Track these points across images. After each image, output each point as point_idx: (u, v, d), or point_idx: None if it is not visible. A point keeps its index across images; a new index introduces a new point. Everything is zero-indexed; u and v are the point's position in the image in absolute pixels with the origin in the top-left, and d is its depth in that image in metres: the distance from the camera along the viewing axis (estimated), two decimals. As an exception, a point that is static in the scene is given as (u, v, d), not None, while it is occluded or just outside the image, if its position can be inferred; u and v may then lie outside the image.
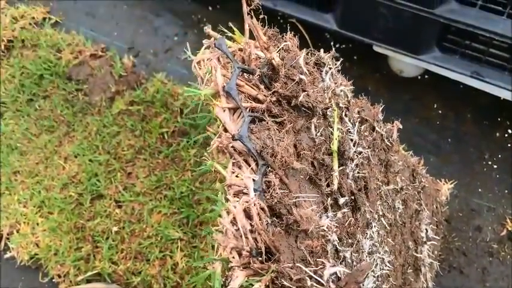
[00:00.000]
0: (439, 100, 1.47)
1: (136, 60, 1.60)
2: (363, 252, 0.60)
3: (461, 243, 1.29)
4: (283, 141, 0.46)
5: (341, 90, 0.62)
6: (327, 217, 0.49)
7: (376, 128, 0.71)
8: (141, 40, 1.65)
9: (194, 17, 1.67)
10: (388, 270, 0.72)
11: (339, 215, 0.51)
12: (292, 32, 0.59)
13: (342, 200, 0.51)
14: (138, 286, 1.28)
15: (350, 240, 0.54)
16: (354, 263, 0.55)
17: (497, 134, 1.41)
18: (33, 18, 1.68)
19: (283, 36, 0.56)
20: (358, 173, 0.61)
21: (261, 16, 0.57)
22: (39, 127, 1.49)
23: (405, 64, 1.44)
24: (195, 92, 0.48)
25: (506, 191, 1.34)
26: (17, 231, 1.36)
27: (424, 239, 1.03)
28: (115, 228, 1.34)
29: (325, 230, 0.46)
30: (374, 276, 0.66)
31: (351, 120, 0.63)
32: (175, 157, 1.41)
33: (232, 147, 0.44)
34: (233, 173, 0.43)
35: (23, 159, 1.44)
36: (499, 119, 1.43)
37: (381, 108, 0.76)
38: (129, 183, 1.40)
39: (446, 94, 1.47)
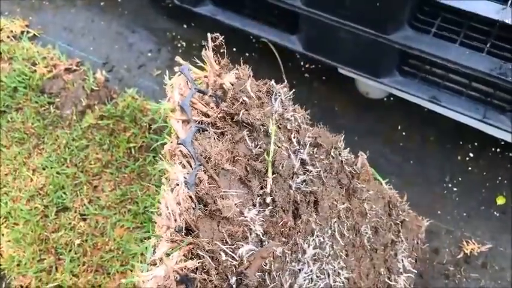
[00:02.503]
0: (404, 122, 1.50)
1: (109, 75, 1.63)
2: (303, 254, 0.65)
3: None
4: (218, 147, 0.55)
5: (291, 116, 0.68)
6: (251, 210, 0.56)
7: (331, 154, 0.76)
8: (116, 55, 1.68)
9: (169, 34, 1.70)
10: (342, 284, 0.75)
11: (266, 212, 0.58)
12: (246, 65, 0.67)
13: (268, 199, 0.59)
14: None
15: (284, 239, 0.61)
16: (287, 259, 0.61)
17: (459, 157, 1.43)
18: (12, 31, 1.71)
19: (235, 66, 0.64)
20: (305, 187, 0.67)
21: (232, 37, 0.64)
22: (10, 139, 1.51)
23: (370, 86, 1.47)
24: (157, 106, 0.58)
25: (464, 214, 1.36)
26: (-17, 242, 1.38)
27: (401, 270, 1.05)
28: (78, 241, 1.36)
29: (248, 221, 0.54)
30: (322, 278, 0.70)
31: (301, 142, 0.69)
32: (141, 172, 1.44)
33: (179, 150, 0.54)
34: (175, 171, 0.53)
35: (-8, 170, 1.47)
36: (461, 143, 1.45)
37: (341, 138, 0.80)
38: (94, 196, 1.42)
39: (410, 116, 1.49)
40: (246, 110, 0.59)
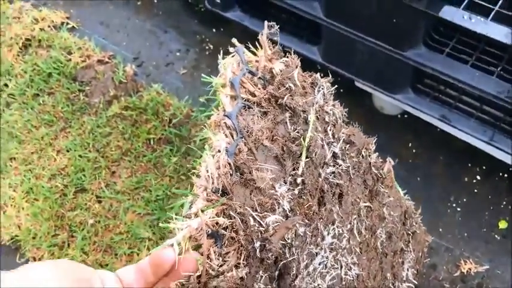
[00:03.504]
0: (415, 140, 1.53)
1: (138, 70, 1.72)
2: (322, 240, 0.69)
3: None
4: (260, 124, 0.59)
5: (331, 110, 0.72)
6: (282, 186, 0.60)
7: (362, 153, 0.79)
8: (146, 52, 1.77)
9: (198, 36, 1.78)
10: (352, 279, 0.79)
11: (295, 191, 0.62)
12: (295, 55, 0.70)
13: (299, 180, 0.62)
14: None
15: (307, 221, 0.64)
16: (307, 240, 0.64)
17: (466, 179, 1.46)
18: (53, 21, 1.82)
19: (286, 55, 0.68)
20: (333, 178, 0.70)
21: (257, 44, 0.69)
22: (40, 120, 1.61)
23: (385, 102, 1.51)
24: (210, 79, 0.61)
25: (465, 234, 1.38)
26: (4, 213, 1.47)
27: (404, 278, 1.07)
28: (91, 221, 1.43)
29: (277, 195, 0.57)
30: (335, 268, 0.73)
31: (335, 136, 0.72)
32: (157, 162, 1.51)
33: (224, 122, 0.57)
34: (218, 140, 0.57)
35: (20, 147, 1.56)
36: (469, 165, 1.48)
37: (374, 141, 0.83)
38: (111, 181, 1.49)
39: (422, 135, 1.53)
40: (291, 96, 0.63)
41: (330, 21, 1.29)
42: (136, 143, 1.53)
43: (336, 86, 0.76)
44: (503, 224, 1.38)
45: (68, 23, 1.84)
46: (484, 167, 1.46)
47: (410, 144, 1.53)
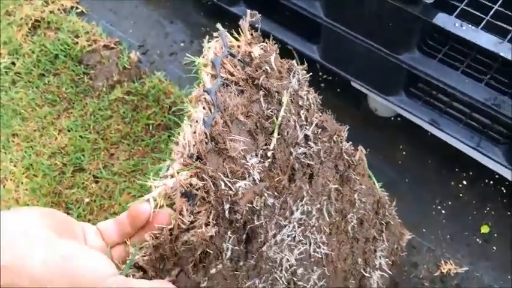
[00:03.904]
0: (406, 143, 1.57)
1: (143, 57, 1.77)
2: (290, 214, 0.73)
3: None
4: (236, 101, 0.63)
5: (305, 95, 0.76)
6: (253, 158, 0.64)
7: (334, 139, 0.83)
8: (152, 41, 1.82)
9: (203, 28, 1.83)
10: (320, 257, 0.83)
11: (266, 163, 0.66)
12: (274, 41, 0.73)
13: (269, 153, 0.67)
14: (95, 254, 1.40)
15: (276, 193, 0.68)
16: (275, 211, 0.69)
17: (452, 183, 1.50)
18: (62, 5, 1.87)
19: (265, 40, 0.72)
20: (304, 159, 0.75)
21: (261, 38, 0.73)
22: (44, 99, 1.66)
23: (379, 103, 1.56)
24: (194, 59, 0.65)
25: (448, 236, 1.42)
26: (3, 186, 1.51)
27: (377, 266, 1.11)
28: (87, 200, 1.48)
29: (248, 165, 0.61)
30: (303, 243, 0.77)
31: (308, 120, 0.76)
32: (155, 147, 1.55)
33: (204, 97, 0.61)
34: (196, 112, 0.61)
35: (23, 124, 1.61)
36: (457, 170, 1.52)
37: (346, 129, 0.87)
38: (109, 163, 1.54)
39: (414, 138, 1.57)
40: (266, 77, 0.67)
41: (329, 21, 1.34)
42: (136, 128, 1.58)
43: (333, 86, 0.80)
44: (485, 229, 1.43)
45: (77, 8, 1.89)
46: (470, 173, 1.51)
47: (401, 147, 1.57)
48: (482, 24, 1.10)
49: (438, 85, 1.24)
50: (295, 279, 0.77)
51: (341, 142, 0.86)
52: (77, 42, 1.76)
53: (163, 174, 0.54)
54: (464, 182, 1.50)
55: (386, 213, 1.11)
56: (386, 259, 1.14)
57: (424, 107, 1.37)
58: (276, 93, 0.68)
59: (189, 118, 0.59)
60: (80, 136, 1.58)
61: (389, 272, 1.13)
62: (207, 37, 0.66)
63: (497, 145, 1.29)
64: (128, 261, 0.51)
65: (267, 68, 0.68)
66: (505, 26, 1.10)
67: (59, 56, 1.73)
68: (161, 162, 1.53)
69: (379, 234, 1.09)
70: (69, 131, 1.59)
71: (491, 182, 1.49)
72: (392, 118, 1.62)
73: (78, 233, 0.51)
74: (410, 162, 1.55)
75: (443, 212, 1.46)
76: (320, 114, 0.81)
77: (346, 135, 0.89)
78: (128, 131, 1.58)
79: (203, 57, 0.65)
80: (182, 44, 1.81)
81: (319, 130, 0.79)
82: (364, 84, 1.44)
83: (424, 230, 1.43)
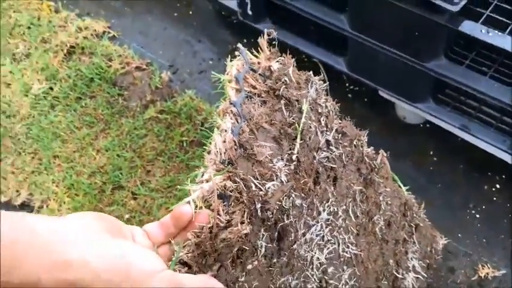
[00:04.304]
0: (436, 148, 1.59)
1: (173, 76, 1.83)
2: (318, 214, 0.77)
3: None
4: (260, 110, 0.69)
5: (323, 103, 0.81)
6: (279, 161, 0.69)
7: (354, 143, 0.87)
8: (181, 60, 1.88)
9: (230, 46, 1.89)
10: (350, 257, 0.86)
11: (291, 166, 0.71)
12: (293, 57, 0.78)
13: (294, 157, 0.72)
14: None
15: (303, 195, 0.73)
16: (303, 211, 0.73)
17: (485, 187, 1.51)
18: (95, 30, 1.95)
19: (282, 55, 0.77)
20: (327, 162, 0.79)
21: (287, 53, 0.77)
22: (82, 122, 1.73)
23: (408, 111, 1.58)
24: (219, 76, 0.71)
25: (484, 240, 1.43)
26: (47, 206, 1.58)
27: (410, 268, 1.13)
28: (127, 216, 1.54)
29: (275, 168, 0.67)
30: (332, 243, 0.81)
31: (328, 126, 0.81)
32: (189, 163, 1.60)
33: (230, 110, 0.67)
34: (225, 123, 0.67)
35: (63, 146, 1.68)
36: (489, 174, 1.52)
37: (365, 133, 0.90)
38: (146, 179, 1.60)
39: (443, 144, 1.58)
40: (286, 88, 0.72)
41: (355, 33, 1.37)
42: (170, 145, 1.63)
43: (360, 96, 0.83)
44: (521, 232, 1.43)
45: (109, 32, 1.97)
46: (503, 176, 1.51)
47: (431, 152, 1.58)
48: (508, 30, 1.12)
49: (467, 90, 1.26)
50: (326, 277, 0.81)
51: (362, 146, 0.90)
52: (111, 65, 1.83)
53: (199, 180, 0.60)
54: (498, 186, 1.51)
55: (415, 216, 1.13)
56: (420, 261, 1.15)
57: (453, 112, 1.39)
58: (296, 102, 0.73)
59: (218, 129, 0.65)
60: (117, 155, 1.64)
61: (424, 275, 1.15)
62: (229, 56, 0.72)
63: (529, 147, 1.30)
64: (173, 258, 0.56)
65: (286, 79, 0.73)
66: (531, 30, 1.12)
67: (94, 80, 1.80)
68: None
69: (409, 236, 1.11)
70: (106, 150, 1.65)
71: (525, 185, 1.49)
72: (421, 125, 1.64)
73: (128, 234, 0.56)
74: (441, 168, 1.56)
75: (477, 216, 1.47)
76: (340, 121, 0.85)
77: (366, 140, 0.92)
78: (163, 148, 1.63)
79: (227, 74, 0.71)
80: (211, 62, 1.87)
81: (340, 135, 0.83)
82: (392, 93, 1.46)
83: (459, 235, 1.44)
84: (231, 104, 0.67)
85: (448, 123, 1.39)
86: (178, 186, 1.57)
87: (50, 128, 1.72)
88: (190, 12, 2.02)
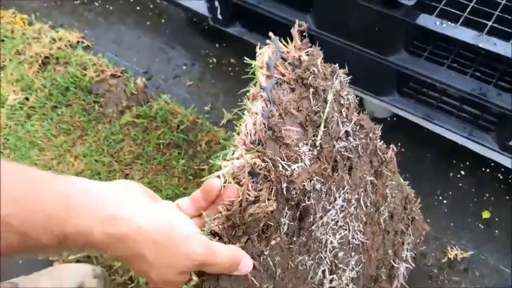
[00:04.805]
0: (404, 140, 1.66)
1: (148, 82, 1.87)
2: (334, 200, 0.81)
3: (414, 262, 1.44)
4: (289, 97, 0.72)
5: (345, 95, 0.85)
6: (304, 146, 0.72)
7: (370, 136, 0.92)
8: (156, 67, 1.92)
9: (202, 51, 1.94)
10: (357, 244, 0.91)
11: (315, 152, 0.74)
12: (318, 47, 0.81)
13: (317, 143, 0.75)
14: (119, 269, 1.47)
15: (322, 180, 0.77)
16: (322, 195, 0.77)
17: (451, 174, 1.58)
18: (69, 41, 1.99)
19: (312, 46, 0.80)
20: (345, 152, 0.83)
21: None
22: (59, 129, 1.75)
23: (375, 105, 1.65)
24: (251, 62, 0.73)
25: (452, 224, 1.50)
26: (26, 214, 1.59)
27: (404, 258, 1.18)
28: (107, 219, 1.56)
29: (300, 152, 0.70)
30: (344, 228, 0.85)
31: (348, 117, 0.85)
32: (166, 165, 1.64)
33: (260, 94, 0.70)
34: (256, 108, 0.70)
35: (41, 154, 1.70)
36: (454, 161, 1.60)
37: (380, 127, 0.96)
38: (125, 183, 1.62)
39: (411, 136, 1.65)
40: (314, 78, 0.76)
41: (321, 32, 1.44)
42: (148, 148, 1.67)
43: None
44: (486, 214, 1.50)
45: (83, 42, 2.00)
46: (467, 163, 1.59)
47: (399, 144, 1.65)
48: (460, 21, 1.20)
49: (427, 81, 1.34)
50: (336, 261, 0.86)
51: (376, 139, 0.95)
52: (86, 74, 1.86)
53: (230, 157, 0.64)
54: (463, 172, 1.58)
55: (413, 209, 1.19)
56: (411, 252, 1.21)
57: (417, 104, 1.46)
58: (322, 92, 0.77)
59: (249, 112, 0.69)
60: (95, 160, 1.66)
61: (413, 264, 1.20)
62: (259, 44, 0.76)
63: (488, 132, 1.37)
64: (205, 228, 0.60)
65: (315, 69, 0.77)
66: (481, 20, 1.20)
67: (69, 88, 1.83)
68: (173, 179, 1.62)
69: (406, 229, 1.16)
70: (84, 156, 1.68)
71: (488, 170, 1.57)
72: (389, 119, 1.71)
73: None
74: (409, 159, 1.63)
75: (444, 202, 1.54)
76: (357, 113, 0.90)
77: (379, 134, 0.97)
78: (140, 151, 1.67)
79: (258, 60, 0.74)
80: (184, 67, 1.91)
81: (357, 127, 0.88)
82: (359, 89, 1.53)
83: (428, 220, 1.50)
84: (261, 89, 0.70)
85: (412, 114, 1.46)
86: (157, 188, 1.60)
87: (27, 137, 1.74)
88: (163, 21, 2.07)
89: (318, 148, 0.75)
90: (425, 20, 1.22)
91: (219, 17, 1.69)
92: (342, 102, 0.83)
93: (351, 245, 0.89)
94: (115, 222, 0.52)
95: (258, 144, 0.65)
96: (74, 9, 2.16)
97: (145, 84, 1.85)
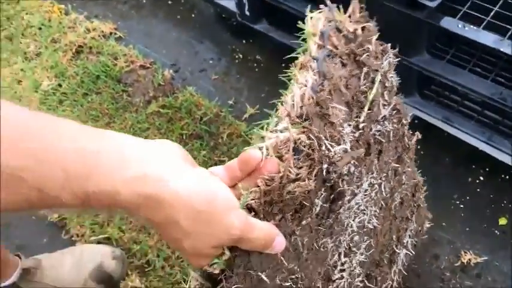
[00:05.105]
0: (423, 143, 1.64)
1: (175, 74, 1.92)
2: (361, 185, 0.77)
3: (417, 266, 1.45)
4: (340, 73, 0.67)
5: (390, 77, 0.81)
6: (347, 127, 0.68)
7: (402, 121, 0.89)
8: (183, 60, 1.98)
9: (229, 47, 1.98)
10: (371, 229, 0.88)
11: (356, 134, 0.70)
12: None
13: (360, 125, 0.71)
14: (137, 253, 1.53)
15: (356, 163, 0.72)
16: (355, 179, 0.73)
17: (469, 179, 1.58)
18: (102, 31, 2.06)
19: (369, 21, 0.75)
20: (378, 136, 0.79)
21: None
22: (88, 116, 1.82)
23: (396, 107, 1.66)
24: (303, 26, 0.66)
25: (467, 229, 1.49)
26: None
27: (405, 244, 1.18)
28: (128, 204, 1.61)
29: (343, 133, 0.65)
30: (364, 213, 0.82)
31: (388, 101, 0.80)
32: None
33: (310, 64, 0.64)
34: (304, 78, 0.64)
35: (69, 138, 1.77)
36: (473, 167, 1.59)
37: (412, 114, 0.93)
38: (147, 170, 1.68)
39: (430, 139, 1.65)
40: (368, 55, 0.71)
41: (344, 31, 1.46)
42: (171, 137, 1.72)
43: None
44: (503, 221, 1.49)
45: (115, 33, 2.07)
46: (487, 169, 1.58)
47: (418, 146, 1.65)
48: (483, 25, 1.20)
49: (448, 84, 1.34)
50: (351, 244, 0.84)
51: (405, 126, 0.93)
52: (116, 64, 1.93)
53: (273, 129, 0.58)
54: (481, 178, 1.58)
55: (420, 197, 1.18)
56: (412, 239, 1.21)
57: (438, 106, 1.46)
58: (373, 72, 0.72)
59: (296, 82, 0.62)
60: (121, 147, 1.72)
61: (412, 251, 1.21)
62: (309, 6, 0.68)
63: (507, 138, 1.37)
64: (241, 201, 0.55)
65: (369, 46, 0.71)
66: (504, 25, 1.20)
67: (100, 77, 1.90)
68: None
69: (411, 215, 1.15)
70: (110, 142, 1.74)
71: (507, 177, 1.56)
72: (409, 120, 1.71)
73: None
74: (427, 161, 1.63)
75: (461, 206, 1.54)
76: (395, 97, 0.85)
77: (409, 121, 0.95)
78: (164, 140, 1.72)
79: (312, 26, 0.67)
80: (211, 62, 1.96)
81: (394, 112, 0.84)
82: (380, 89, 1.54)
83: (443, 223, 1.51)
84: (313, 58, 0.64)
85: (432, 116, 1.47)
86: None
87: (57, 122, 1.81)
88: (193, 15, 2.13)
89: (360, 131, 0.70)
90: (448, 23, 1.23)
91: (247, 13, 1.73)
92: (386, 84, 0.78)
93: (365, 229, 0.87)
94: (147, 182, 0.47)
95: (306, 119, 0.59)
96: (109, 1, 2.23)
97: (172, 76, 1.91)
